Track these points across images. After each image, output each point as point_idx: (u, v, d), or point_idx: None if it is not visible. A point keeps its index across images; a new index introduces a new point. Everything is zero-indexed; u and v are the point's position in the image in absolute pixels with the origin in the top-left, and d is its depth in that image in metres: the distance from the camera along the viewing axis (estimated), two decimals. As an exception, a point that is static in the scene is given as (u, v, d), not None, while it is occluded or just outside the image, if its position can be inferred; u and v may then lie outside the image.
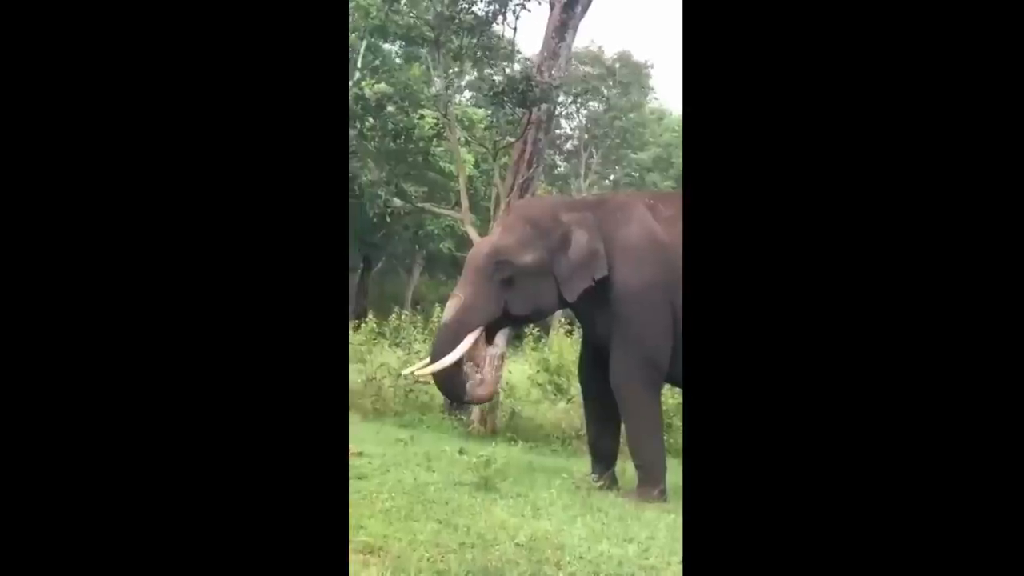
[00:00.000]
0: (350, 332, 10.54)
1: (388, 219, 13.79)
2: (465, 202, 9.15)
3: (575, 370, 6.80)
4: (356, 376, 8.88)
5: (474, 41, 9.13)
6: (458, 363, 5.59)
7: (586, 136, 25.47)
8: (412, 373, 6.40)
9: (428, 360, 5.79)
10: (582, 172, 25.01)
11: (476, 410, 8.12)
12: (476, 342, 5.64)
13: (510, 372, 9.48)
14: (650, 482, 5.33)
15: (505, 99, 8.14)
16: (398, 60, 19.08)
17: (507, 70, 9.03)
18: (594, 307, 5.71)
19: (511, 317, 5.79)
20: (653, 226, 5.63)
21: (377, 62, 18.54)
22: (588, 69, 24.56)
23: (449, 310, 5.64)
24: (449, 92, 9.42)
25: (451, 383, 5.75)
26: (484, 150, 11.68)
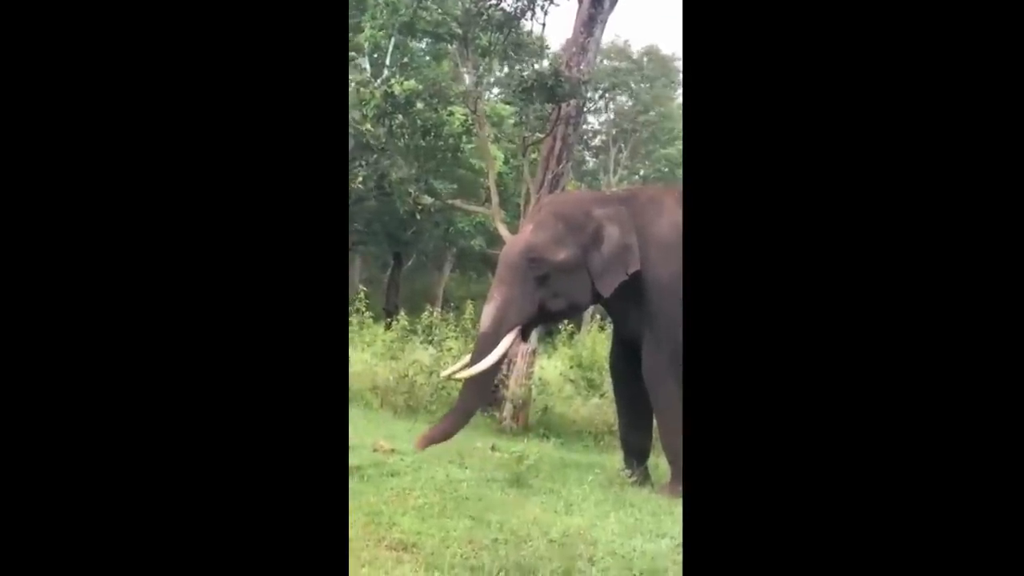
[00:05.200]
0: (382, 330, 10.59)
1: (418, 216, 13.81)
2: (495, 198, 9.14)
3: (608, 366, 6.79)
4: (388, 373, 8.91)
5: (502, 37, 9.12)
6: (498, 364, 5.71)
7: (615, 131, 25.39)
8: (450, 375, 6.37)
9: (467, 361, 5.82)
10: (611, 167, 24.94)
11: (508, 406, 8.13)
12: (515, 340, 5.72)
13: (542, 368, 9.47)
14: (683, 477, 5.30)
15: (534, 95, 8.11)
16: (427, 57, 19.12)
17: (535, 66, 9.00)
18: (625, 301, 5.70)
19: (547, 314, 5.81)
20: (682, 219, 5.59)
21: (406, 59, 18.58)
22: (615, 64, 24.50)
23: (486, 315, 5.66)
24: (478, 88, 9.42)
25: (487, 385, 5.86)
26: (513, 146, 11.68)
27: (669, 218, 5.68)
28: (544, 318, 5.95)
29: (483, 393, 5.97)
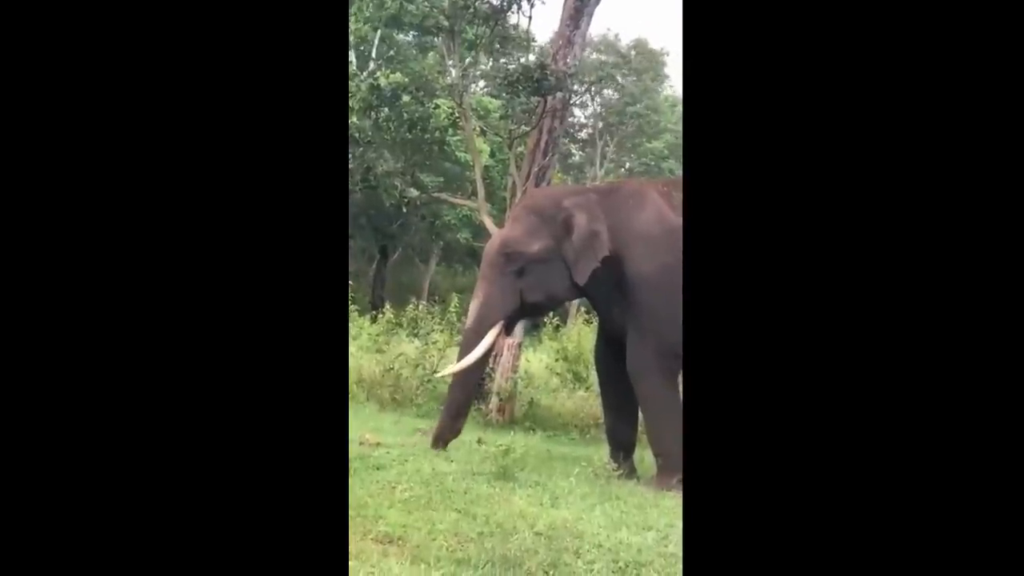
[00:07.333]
0: (368, 323, 10.59)
1: (404, 209, 13.83)
2: (481, 191, 9.15)
3: (593, 359, 6.81)
4: (374, 367, 8.91)
5: (488, 30, 9.11)
6: (484, 359, 5.83)
7: (601, 124, 25.39)
8: (443, 375, 6.53)
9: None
10: (597, 161, 24.94)
11: (494, 399, 8.14)
12: (499, 334, 5.86)
13: (528, 361, 9.49)
14: (669, 470, 5.31)
15: (520, 87, 8.11)
16: (413, 50, 19.09)
17: (522, 59, 8.99)
18: (609, 294, 5.73)
19: (530, 307, 5.86)
20: (667, 212, 5.62)
21: (392, 52, 18.56)
22: (603, 57, 24.49)
23: (471, 312, 5.82)
24: (464, 81, 9.40)
25: (470, 379, 5.94)
26: (499, 139, 11.66)
27: (652, 211, 5.70)
28: (528, 311, 6.02)
29: (470, 387, 6.02)
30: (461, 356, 5.78)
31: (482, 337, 5.66)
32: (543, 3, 8.72)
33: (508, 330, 6.24)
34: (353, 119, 9.33)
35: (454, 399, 5.93)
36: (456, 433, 5.84)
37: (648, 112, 24.89)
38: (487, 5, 8.79)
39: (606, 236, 5.59)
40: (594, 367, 6.79)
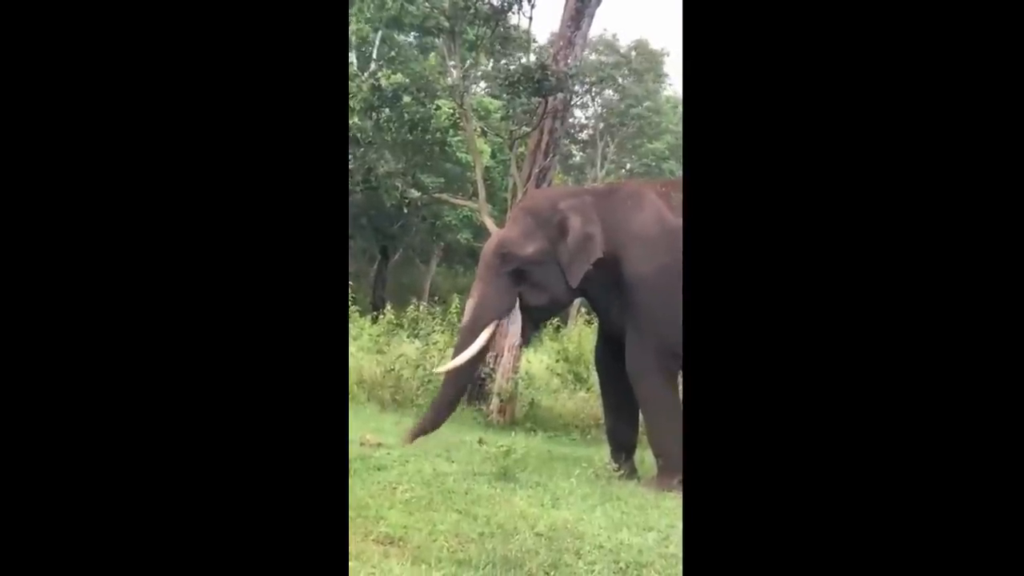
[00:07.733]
0: (368, 324, 10.59)
1: (405, 210, 13.82)
2: (482, 192, 9.15)
3: (593, 359, 6.81)
4: (375, 367, 8.90)
5: (489, 31, 9.11)
6: (477, 358, 5.83)
7: (601, 125, 25.38)
8: (437, 372, 6.59)
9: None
10: (598, 161, 24.94)
11: (495, 400, 8.14)
12: (493, 334, 5.86)
13: (529, 362, 9.48)
14: (669, 471, 5.31)
15: (521, 88, 8.11)
16: (414, 51, 19.10)
17: (522, 59, 9.01)
18: (608, 296, 5.74)
19: (530, 309, 5.84)
20: (665, 213, 5.62)
21: (393, 53, 18.56)
22: (603, 58, 24.49)
23: (466, 312, 5.85)
24: (465, 82, 9.40)
25: (463, 377, 5.97)
26: (500, 140, 11.66)
27: (649, 212, 5.70)
28: (533, 314, 5.97)
29: (461, 385, 6.08)
30: (456, 355, 5.79)
31: (477, 336, 5.67)
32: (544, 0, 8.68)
33: (526, 340, 6.28)
34: (354, 120, 9.35)
35: (444, 395, 5.97)
36: (434, 428, 5.86)
37: (649, 113, 24.88)
38: (488, 6, 8.79)
39: (600, 238, 5.59)
40: (594, 368, 6.79)
